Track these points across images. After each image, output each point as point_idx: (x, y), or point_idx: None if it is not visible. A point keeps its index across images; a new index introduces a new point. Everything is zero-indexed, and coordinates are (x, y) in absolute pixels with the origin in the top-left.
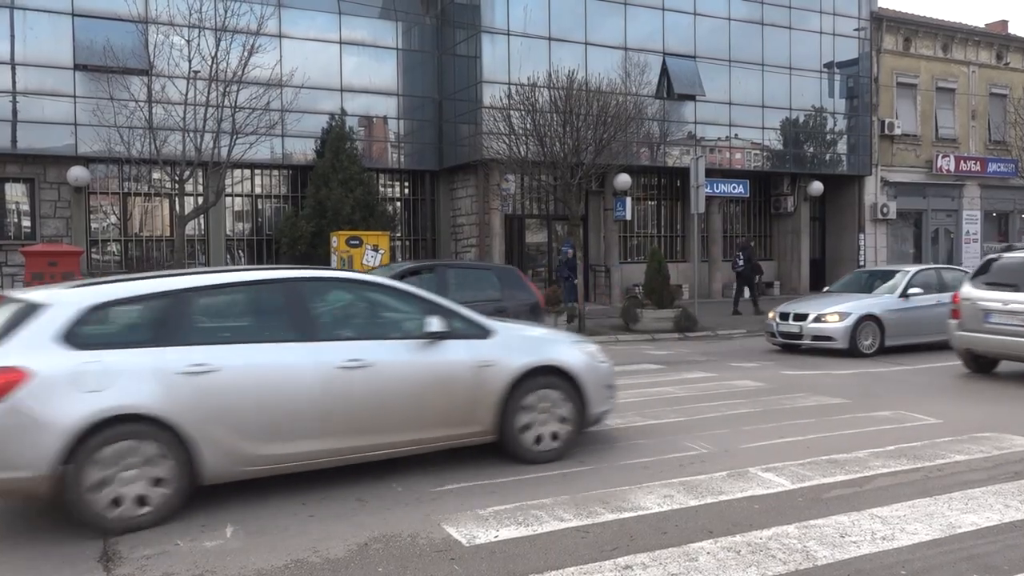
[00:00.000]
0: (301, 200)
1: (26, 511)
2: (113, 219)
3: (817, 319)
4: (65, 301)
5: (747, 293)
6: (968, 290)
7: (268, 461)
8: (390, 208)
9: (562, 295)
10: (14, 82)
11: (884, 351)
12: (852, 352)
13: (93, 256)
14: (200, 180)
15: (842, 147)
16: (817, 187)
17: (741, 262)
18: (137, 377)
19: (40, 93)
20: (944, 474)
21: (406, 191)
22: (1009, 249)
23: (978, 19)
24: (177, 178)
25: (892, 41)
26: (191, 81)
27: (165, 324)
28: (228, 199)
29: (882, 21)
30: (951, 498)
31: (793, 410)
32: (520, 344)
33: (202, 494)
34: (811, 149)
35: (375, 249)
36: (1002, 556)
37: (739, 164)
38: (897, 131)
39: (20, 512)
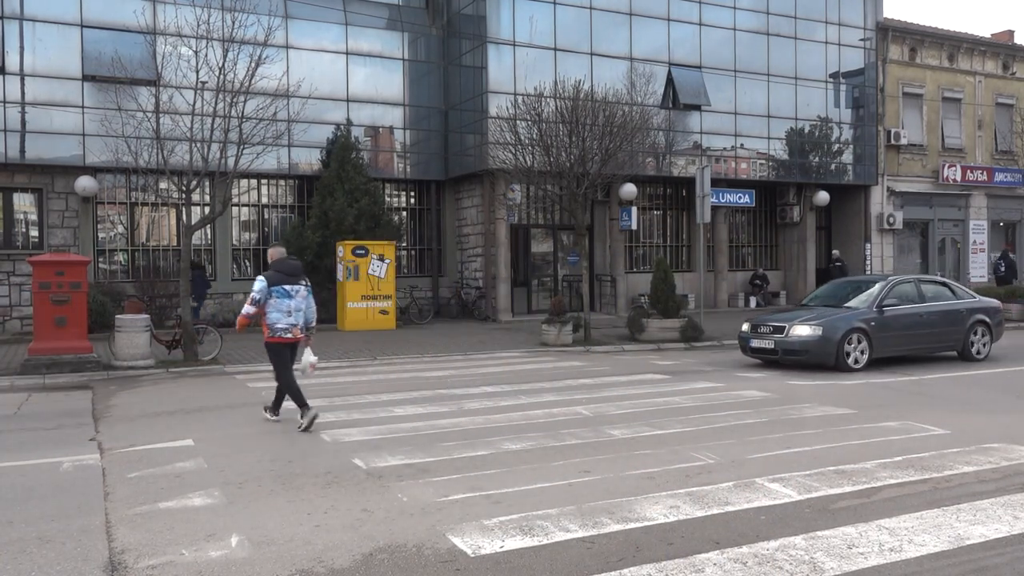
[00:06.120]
0: (307, 210)
1: (34, 519)
2: (120, 229)
3: None
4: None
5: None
6: None
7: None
8: (396, 218)
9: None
10: (23, 93)
11: None
12: None
13: (100, 266)
14: (207, 190)
15: (848, 157)
16: (823, 197)
17: (1003, 268)
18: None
19: (49, 104)
20: (952, 485)
21: (412, 201)
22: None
23: (984, 29)
24: (184, 188)
25: (898, 51)
26: (198, 92)
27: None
28: (235, 209)
29: (888, 31)
30: (959, 509)
31: (799, 420)
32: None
33: (207, 502)
34: (817, 159)
35: (381, 259)
36: (1011, 568)
37: (745, 174)
38: (903, 141)
39: (28, 520)
